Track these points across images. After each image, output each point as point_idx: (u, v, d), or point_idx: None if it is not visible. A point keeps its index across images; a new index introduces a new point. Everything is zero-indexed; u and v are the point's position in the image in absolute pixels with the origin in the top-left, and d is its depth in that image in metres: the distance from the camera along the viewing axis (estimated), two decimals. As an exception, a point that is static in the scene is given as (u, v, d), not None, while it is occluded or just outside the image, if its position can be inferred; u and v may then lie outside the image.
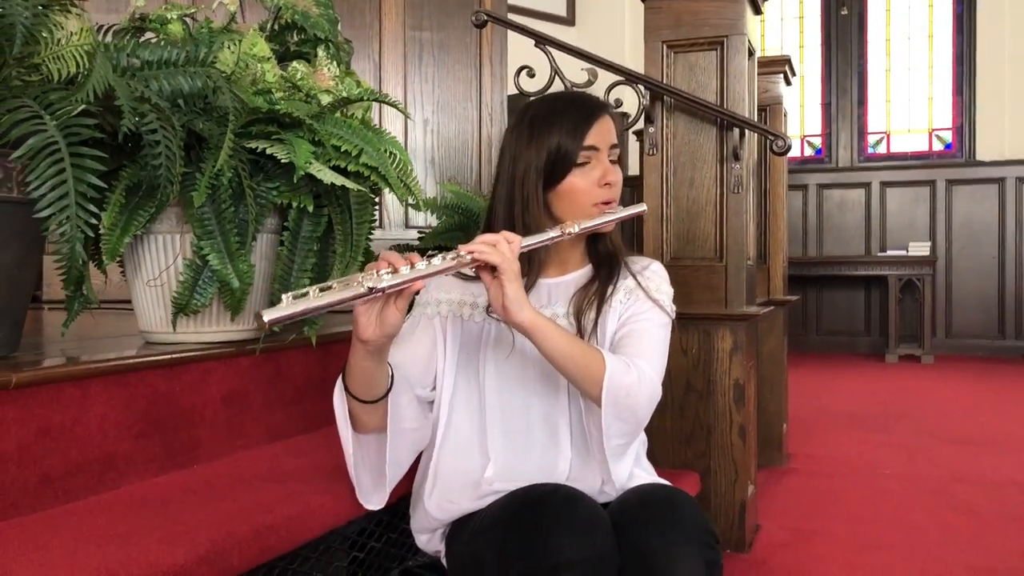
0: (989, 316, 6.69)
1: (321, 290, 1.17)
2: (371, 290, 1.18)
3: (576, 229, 1.40)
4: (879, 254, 6.82)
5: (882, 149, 7.22)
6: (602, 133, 1.47)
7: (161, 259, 1.59)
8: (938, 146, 7.05)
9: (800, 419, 4.04)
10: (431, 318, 1.52)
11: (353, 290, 1.18)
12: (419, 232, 2.71)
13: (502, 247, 1.28)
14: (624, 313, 1.50)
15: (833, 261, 6.81)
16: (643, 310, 1.49)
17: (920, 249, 6.60)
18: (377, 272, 1.20)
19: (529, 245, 1.35)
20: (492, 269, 1.29)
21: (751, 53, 2.46)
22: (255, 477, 1.50)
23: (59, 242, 1.21)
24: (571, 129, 1.45)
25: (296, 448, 1.74)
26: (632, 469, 1.48)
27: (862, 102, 7.21)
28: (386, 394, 1.35)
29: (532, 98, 1.65)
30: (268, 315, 1.13)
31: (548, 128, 1.46)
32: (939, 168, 6.87)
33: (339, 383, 1.37)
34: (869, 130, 7.22)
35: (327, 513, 1.40)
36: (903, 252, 6.65)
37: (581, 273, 1.57)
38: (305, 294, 1.16)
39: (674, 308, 1.54)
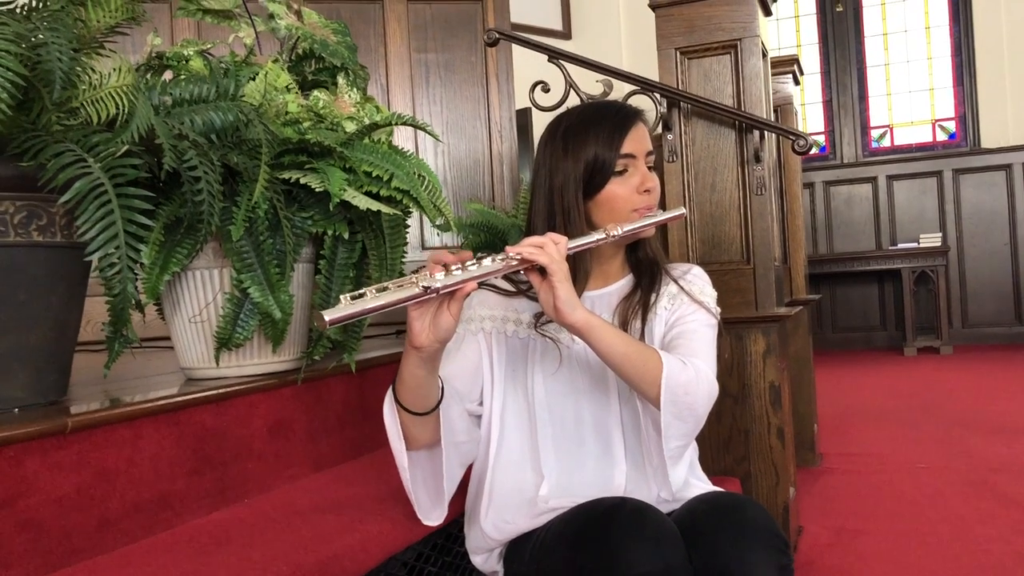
0: (1005, 303, 6.67)
1: (378, 291, 1.17)
2: (426, 290, 1.18)
3: (620, 231, 1.39)
4: (890, 248, 6.81)
5: (886, 143, 7.22)
6: (637, 140, 1.48)
7: (200, 295, 1.59)
8: (942, 136, 7.05)
9: (827, 418, 4.02)
10: (475, 334, 1.52)
11: (408, 291, 1.18)
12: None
13: (549, 248, 1.28)
14: (670, 318, 1.50)
15: (845, 257, 6.80)
16: (689, 312, 1.49)
17: (931, 240, 6.59)
18: (431, 274, 1.20)
19: (576, 247, 1.35)
20: (541, 271, 1.29)
21: (764, 54, 2.46)
22: (309, 508, 1.49)
23: (109, 283, 1.21)
24: (607, 139, 1.46)
25: (343, 476, 1.73)
26: (687, 477, 1.48)
27: (863, 97, 7.22)
28: (437, 406, 1.35)
29: (559, 112, 1.65)
30: (328, 315, 1.13)
31: (583, 139, 1.47)
32: (945, 158, 6.87)
33: (389, 398, 1.37)
34: (872, 124, 7.22)
35: (386, 539, 1.39)
36: (914, 244, 6.64)
37: (623, 283, 1.57)
38: (362, 295, 1.16)
39: (719, 310, 1.54)
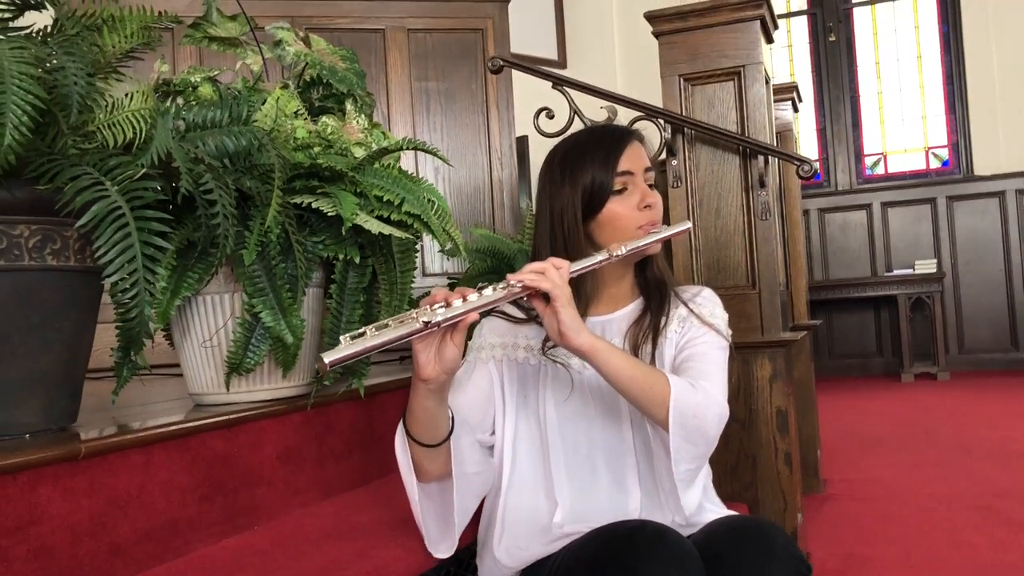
0: (1000, 329, 6.68)
1: (377, 329, 1.17)
2: (427, 324, 1.19)
3: (623, 250, 1.39)
4: (886, 274, 6.83)
5: (880, 170, 7.26)
6: (633, 158, 1.48)
7: (210, 320, 1.58)
8: (935, 163, 7.09)
9: (829, 444, 4.00)
10: (486, 362, 1.52)
11: (408, 327, 1.18)
12: (448, 278, 2.70)
13: (551, 273, 1.27)
14: (680, 341, 1.50)
15: (841, 284, 6.81)
16: (699, 334, 1.49)
17: (927, 267, 6.61)
18: (431, 307, 1.19)
19: (578, 270, 1.35)
20: (544, 297, 1.29)
21: (767, 81, 2.48)
22: (320, 535, 1.48)
23: (126, 307, 1.20)
24: (602, 160, 1.47)
25: (353, 503, 1.71)
26: (702, 502, 1.46)
27: (856, 125, 7.27)
28: (448, 437, 1.34)
29: (559, 140, 1.66)
30: (328, 356, 1.13)
31: (579, 164, 1.47)
32: (938, 185, 6.91)
33: (400, 431, 1.36)
34: (866, 152, 7.27)
35: (401, 567, 1.37)
36: (910, 271, 6.65)
37: (632, 307, 1.56)
38: (362, 334, 1.16)
39: (730, 332, 1.53)
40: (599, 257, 1.38)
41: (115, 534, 1.26)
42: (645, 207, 1.47)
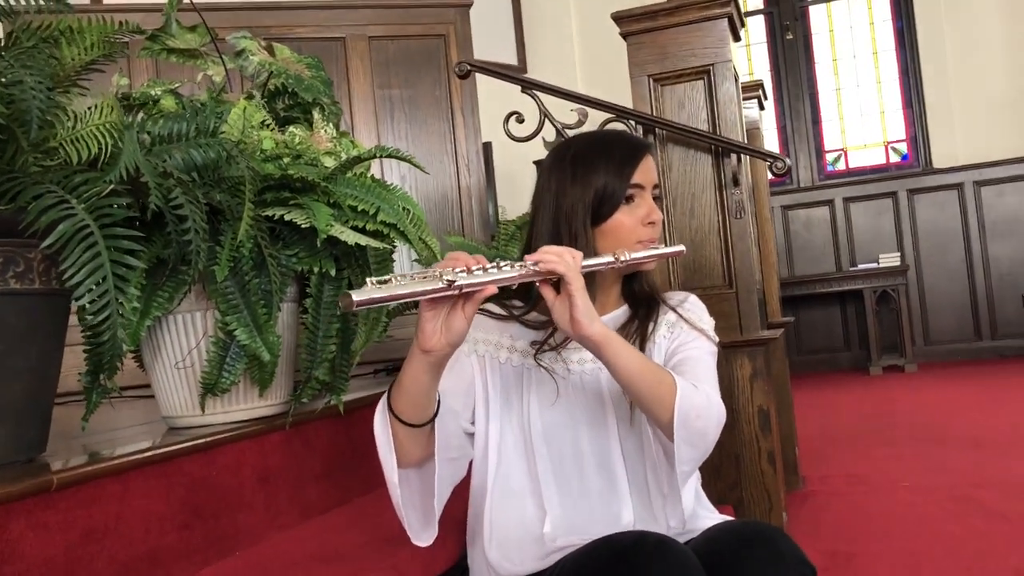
0: (964, 319, 6.77)
1: (401, 278, 1.12)
2: (450, 284, 1.13)
3: (627, 257, 1.36)
4: (851, 269, 6.89)
5: (841, 166, 7.34)
6: (646, 172, 1.47)
7: (182, 339, 1.53)
8: (895, 158, 7.18)
9: (803, 440, 4.00)
10: (468, 355, 1.47)
11: (431, 283, 1.13)
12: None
13: (567, 258, 1.24)
14: (670, 347, 1.48)
15: (806, 280, 6.86)
16: (690, 339, 1.47)
17: (891, 260, 6.68)
18: (453, 269, 1.15)
19: (588, 266, 1.31)
20: (555, 285, 1.25)
21: (736, 79, 2.47)
22: (305, 558, 1.43)
23: (97, 329, 1.14)
24: (617, 168, 1.45)
25: (334, 524, 1.66)
26: (695, 508, 1.44)
27: (816, 121, 7.34)
28: (433, 418, 1.30)
29: (565, 137, 1.63)
30: (357, 296, 1.07)
31: (593, 166, 1.45)
32: (898, 179, 6.99)
33: (382, 408, 1.30)
34: (826, 148, 7.34)
35: (393, 588, 1.33)
36: (874, 265, 6.72)
37: (619, 313, 1.54)
38: (387, 280, 1.11)
39: (717, 338, 1.52)
40: (607, 259, 1.35)
41: (92, 569, 1.20)
42: (649, 223, 1.46)
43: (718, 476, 2.31)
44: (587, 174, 1.43)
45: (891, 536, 2.59)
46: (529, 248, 1.47)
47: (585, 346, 1.28)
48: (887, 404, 5.15)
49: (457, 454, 1.39)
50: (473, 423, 1.46)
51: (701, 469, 2.26)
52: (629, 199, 1.44)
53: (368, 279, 1.08)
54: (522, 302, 1.51)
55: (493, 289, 1.18)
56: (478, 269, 1.16)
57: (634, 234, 1.44)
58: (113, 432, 1.65)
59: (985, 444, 3.70)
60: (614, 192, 1.42)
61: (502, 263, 1.20)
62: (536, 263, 1.22)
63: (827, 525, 2.77)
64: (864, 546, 2.53)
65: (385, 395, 1.30)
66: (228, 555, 1.45)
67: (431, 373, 1.24)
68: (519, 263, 1.22)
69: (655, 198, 1.47)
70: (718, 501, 2.29)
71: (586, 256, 1.35)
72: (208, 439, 1.44)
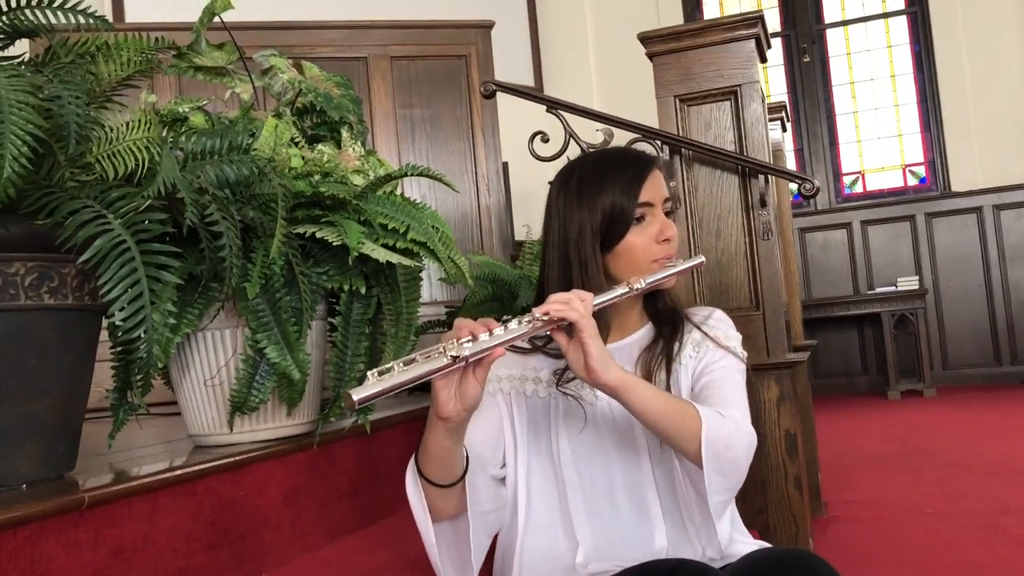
0: (984, 344, 6.70)
1: (405, 364, 1.11)
2: (455, 359, 1.12)
3: (643, 284, 1.33)
4: (868, 292, 6.84)
5: (858, 188, 7.30)
6: (655, 188, 1.42)
7: (211, 357, 1.52)
8: (913, 181, 7.14)
9: (825, 465, 3.97)
10: (493, 395, 1.45)
11: (436, 362, 1.12)
12: (446, 307, 2.65)
13: (576, 304, 1.21)
14: (697, 367, 1.44)
15: (824, 303, 6.81)
16: (716, 359, 1.43)
17: (909, 283, 6.63)
18: (457, 341, 1.14)
19: (601, 303, 1.28)
20: (567, 330, 1.23)
21: (762, 99, 2.46)
22: (333, 580, 1.41)
23: (132, 345, 1.13)
24: (624, 186, 1.40)
25: (359, 546, 1.64)
26: (731, 533, 1.41)
27: (833, 144, 7.31)
28: (463, 476, 1.28)
29: (572, 160, 1.62)
30: (357, 394, 1.05)
31: (599, 187, 1.41)
32: (916, 203, 6.95)
33: (412, 470, 1.29)
34: (844, 171, 7.31)
35: (421, 613, 1.31)
36: (892, 288, 6.67)
37: (642, 333, 1.50)
38: (389, 369, 1.10)
39: (745, 354, 1.48)
40: (621, 290, 1.31)
41: (121, 588, 1.18)
42: (664, 240, 1.41)
43: (744, 501, 2.27)
44: (593, 195, 1.39)
45: (916, 565, 2.54)
46: (542, 281, 1.44)
47: (603, 392, 1.26)
48: (906, 429, 5.09)
49: (491, 506, 1.36)
50: (503, 466, 1.43)
51: (727, 493, 2.24)
52: (640, 219, 1.39)
53: (369, 372, 1.07)
54: None
55: (502, 351, 1.16)
56: (484, 334, 1.15)
57: (648, 254, 1.39)
58: (140, 450, 1.64)
59: (1008, 471, 3.64)
60: (623, 212, 1.38)
61: (509, 322, 1.18)
62: (545, 314, 1.20)
63: (852, 551, 2.73)
64: (889, 572, 2.48)
65: (413, 458, 1.28)
66: (255, 576, 1.44)
67: (452, 438, 1.23)
68: (527, 317, 1.20)
69: (668, 214, 1.42)
70: (745, 527, 2.27)
71: (596, 286, 1.33)
72: (236, 458, 1.43)
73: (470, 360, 1.14)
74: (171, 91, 3.58)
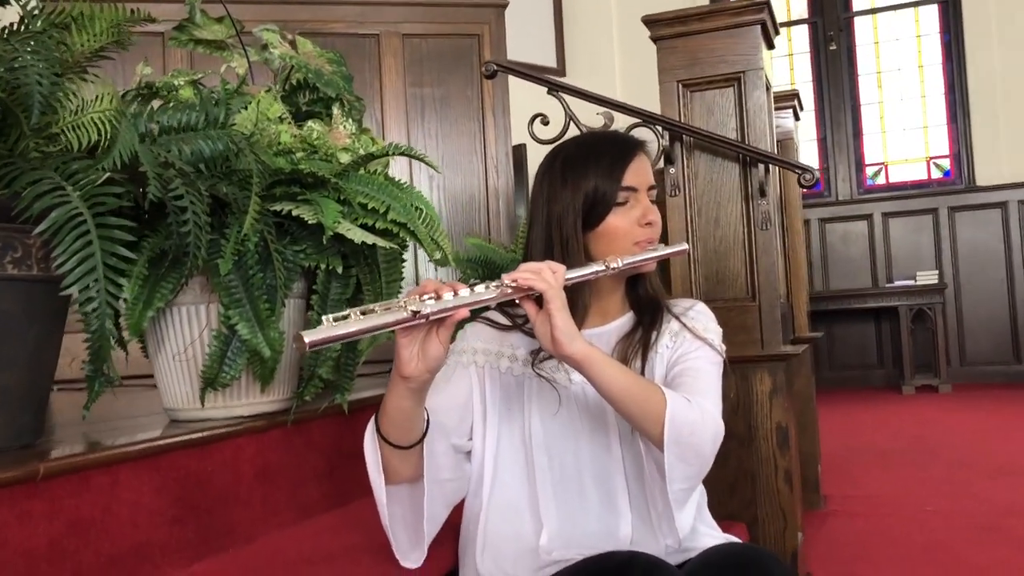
0: (1003, 341, 6.60)
1: (362, 313, 1.10)
2: (415, 314, 1.11)
3: (620, 264, 1.33)
4: (887, 285, 6.76)
5: (881, 180, 7.20)
6: (639, 172, 1.43)
7: (186, 331, 1.51)
8: (937, 174, 7.03)
9: (828, 458, 3.93)
10: (466, 366, 1.46)
11: (395, 314, 1.11)
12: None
13: (546, 274, 1.21)
14: (672, 356, 1.44)
15: (841, 295, 6.74)
16: (692, 349, 1.43)
17: (928, 278, 6.54)
18: (420, 297, 1.13)
19: (574, 278, 1.28)
20: (537, 301, 1.22)
21: (767, 88, 2.42)
22: (298, 559, 1.41)
23: (87, 319, 1.13)
24: (607, 170, 1.41)
25: (331, 526, 1.64)
26: (696, 524, 1.39)
27: (857, 134, 7.21)
28: (421, 439, 1.28)
29: (560, 141, 1.60)
30: (308, 336, 1.05)
31: (583, 170, 1.41)
32: (940, 196, 6.85)
33: (371, 429, 1.30)
34: (867, 162, 7.21)
35: (380, 595, 1.30)
36: (911, 282, 6.58)
37: (623, 321, 1.50)
38: (346, 316, 1.09)
39: (724, 347, 1.47)
40: (596, 268, 1.32)
41: (76, 560, 1.18)
42: (646, 224, 1.42)
43: (732, 494, 2.25)
44: (577, 177, 1.40)
45: (911, 562, 2.52)
46: (526, 258, 1.45)
47: (568, 364, 1.25)
48: (918, 425, 5.04)
49: (449, 475, 1.37)
50: (470, 439, 1.43)
51: (715, 486, 2.22)
52: (623, 201, 1.40)
53: (324, 317, 1.06)
54: None
55: (464, 313, 1.16)
56: (449, 294, 1.14)
57: (630, 236, 1.40)
58: (116, 421, 1.64)
59: (1017, 472, 3.59)
60: (604, 195, 1.39)
61: (477, 285, 1.18)
62: (514, 281, 1.19)
63: (847, 547, 2.71)
64: (884, 570, 2.46)
65: (373, 417, 1.29)
66: (221, 552, 1.43)
67: (413, 399, 1.23)
68: (496, 283, 1.20)
69: (653, 200, 1.44)
70: (732, 518, 2.24)
71: (576, 265, 1.32)
72: (204, 433, 1.42)
73: (431, 317, 1.13)
74: (182, 65, 3.57)
